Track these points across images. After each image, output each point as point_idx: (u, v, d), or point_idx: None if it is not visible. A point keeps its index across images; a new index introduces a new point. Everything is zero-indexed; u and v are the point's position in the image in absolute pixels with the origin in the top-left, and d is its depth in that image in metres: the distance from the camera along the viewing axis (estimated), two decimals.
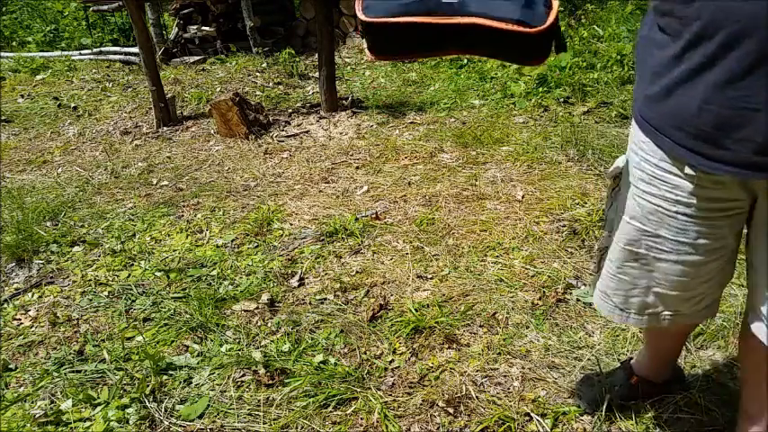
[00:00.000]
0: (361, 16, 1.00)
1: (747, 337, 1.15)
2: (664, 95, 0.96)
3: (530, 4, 0.99)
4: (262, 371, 1.84)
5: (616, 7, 6.14)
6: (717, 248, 1.08)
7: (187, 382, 1.86)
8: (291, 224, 2.87)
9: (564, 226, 2.58)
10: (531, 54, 1.06)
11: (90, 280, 2.50)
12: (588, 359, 1.82)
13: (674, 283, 1.11)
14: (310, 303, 2.23)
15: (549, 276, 2.24)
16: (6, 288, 2.52)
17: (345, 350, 1.95)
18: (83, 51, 7.59)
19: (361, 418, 1.66)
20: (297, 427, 1.65)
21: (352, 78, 5.87)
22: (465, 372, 1.81)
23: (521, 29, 0.98)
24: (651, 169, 1.04)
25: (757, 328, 1.10)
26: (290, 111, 4.78)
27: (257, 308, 2.20)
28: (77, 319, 2.26)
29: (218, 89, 5.47)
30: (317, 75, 5.06)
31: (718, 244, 1.08)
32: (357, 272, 2.40)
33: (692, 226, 1.04)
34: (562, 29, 5.56)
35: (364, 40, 1.04)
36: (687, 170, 0.99)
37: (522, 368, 1.80)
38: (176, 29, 7.19)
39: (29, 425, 1.70)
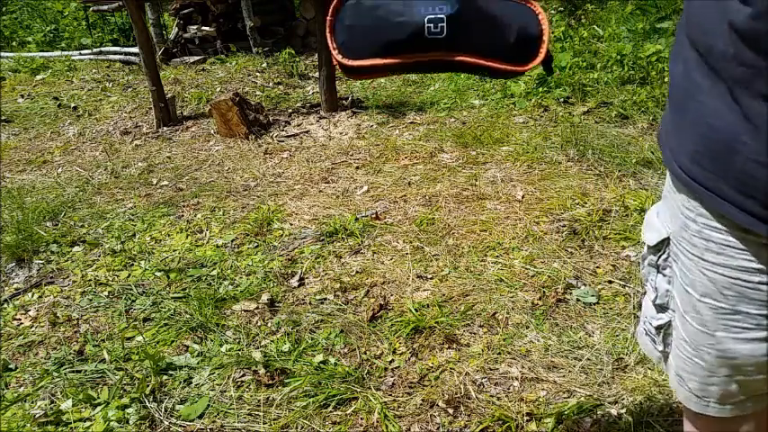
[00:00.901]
0: (340, 60, 0.91)
1: None
2: (722, 153, 0.80)
3: (522, 37, 0.91)
4: (262, 371, 1.84)
5: (616, 7, 6.14)
6: None
7: (187, 382, 1.86)
8: (291, 224, 2.87)
9: (564, 226, 2.58)
10: (514, 77, 1.03)
11: (90, 280, 2.50)
12: (588, 359, 1.82)
13: (760, 366, 0.94)
14: (310, 303, 2.23)
15: (549, 276, 2.24)
16: (6, 288, 2.52)
17: (345, 350, 1.95)
18: (83, 51, 7.59)
19: (361, 418, 1.66)
20: (297, 427, 1.65)
21: None
22: (465, 372, 1.81)
23: (511, 67, 0.93)
24: (721, 237, 0.86)
25: None
26: (290, 111, 4.78)
27: (257, 308, 2.20)
28: (77, 319, 2.26)
29: (218, 89, 5.47)
30: (317, 75, 5.06)
31: None
32: (357, 272, 2.40)
33: None
34: (562, 28, 5.56)
35: (335, 60, 0.93)
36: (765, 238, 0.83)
37: (522, 368, 1.80)
38: (176, 29, 7.20)
39: (29, 425, 1.70)
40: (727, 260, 0.87)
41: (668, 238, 0.98)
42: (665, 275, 1.01)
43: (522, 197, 2.92)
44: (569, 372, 1.78)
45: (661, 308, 1.04)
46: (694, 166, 0.85)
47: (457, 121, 4.20)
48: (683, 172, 0.87)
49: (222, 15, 7.06)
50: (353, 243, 2.62)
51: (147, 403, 1.75)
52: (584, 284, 2.19)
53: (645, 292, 1.06)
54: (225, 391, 1.80)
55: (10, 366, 2.01)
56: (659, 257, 1.01)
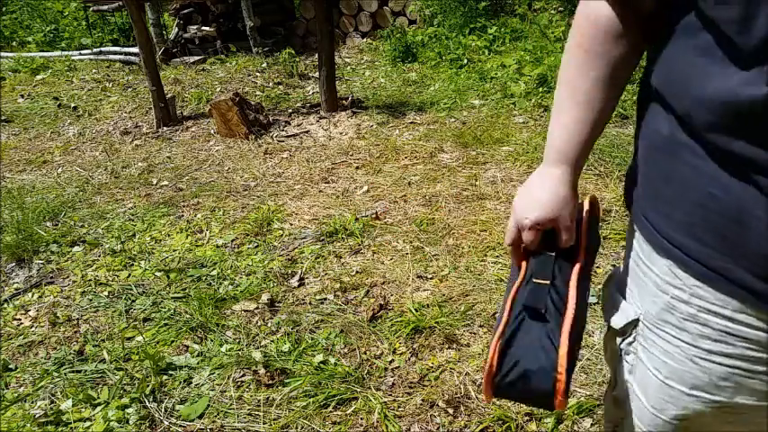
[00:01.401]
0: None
1: None
2: (728, 229, 0.68)
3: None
4: (262, 371, 1.84)
5: None
6: None
7: (187, 382, 1.86)
8: (291, 224, 2.87)
9: None
10: None
11: (90, 280, 2.50)
12: (588, 359, 1.82)
13: None
14: (310, 303, 2.23)
15: None
16: (6, 288, 2.52)
17: (345, 350, 1.95)
18: (83, 51, 7.58)
19: (361, 418, 1.66)
20: (297, 427, 1.65)
21: (352, 78, 5.87)
22: (465, 372, 1.81)
23: None
24: (721, 323, 0.74)
25: None
26: (290, 111, 4.78)
27: (257, 308, 2.20)
28: (77, 319, 2.26)
29: (218, 89, 5.47)
30: (317, 75, 5.06)
31: None
32: (357, 272, 2.40)
33: None
34: (562, 28, 5.55)
35: None
36: None
37: None
38: (176, 29, 7.19)
39: (29, 425, 1.70)
40: (725, 348, 0.75)
41: (637, 320, 0.83)
42: (627, 362, 0.86)
43: None
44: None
45: (616, 401, 0.91)
46: (691, 242, 0.72)
47: (457, 122, 4.19)
48: (673, 247, 0.74)
49: (222, 15, 7.06)
50: (353, 243, 2.62)
51: (147, 403, 1.75)
52: None
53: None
54: (225, 391, 1.80)
55: (10, 366, 2.01)
56: (623, 341, 0.86)
